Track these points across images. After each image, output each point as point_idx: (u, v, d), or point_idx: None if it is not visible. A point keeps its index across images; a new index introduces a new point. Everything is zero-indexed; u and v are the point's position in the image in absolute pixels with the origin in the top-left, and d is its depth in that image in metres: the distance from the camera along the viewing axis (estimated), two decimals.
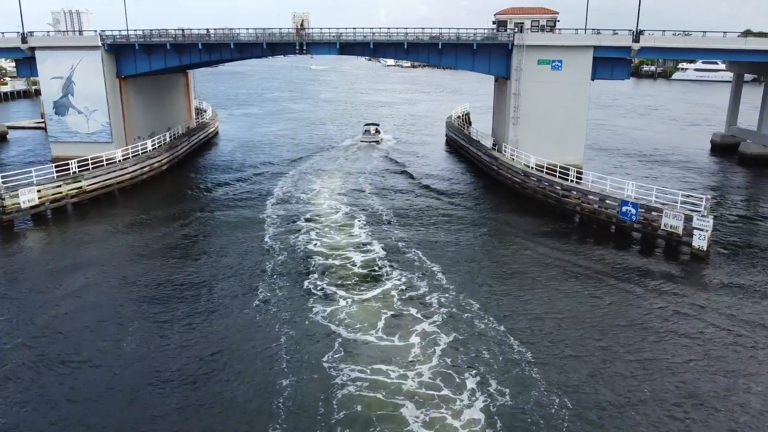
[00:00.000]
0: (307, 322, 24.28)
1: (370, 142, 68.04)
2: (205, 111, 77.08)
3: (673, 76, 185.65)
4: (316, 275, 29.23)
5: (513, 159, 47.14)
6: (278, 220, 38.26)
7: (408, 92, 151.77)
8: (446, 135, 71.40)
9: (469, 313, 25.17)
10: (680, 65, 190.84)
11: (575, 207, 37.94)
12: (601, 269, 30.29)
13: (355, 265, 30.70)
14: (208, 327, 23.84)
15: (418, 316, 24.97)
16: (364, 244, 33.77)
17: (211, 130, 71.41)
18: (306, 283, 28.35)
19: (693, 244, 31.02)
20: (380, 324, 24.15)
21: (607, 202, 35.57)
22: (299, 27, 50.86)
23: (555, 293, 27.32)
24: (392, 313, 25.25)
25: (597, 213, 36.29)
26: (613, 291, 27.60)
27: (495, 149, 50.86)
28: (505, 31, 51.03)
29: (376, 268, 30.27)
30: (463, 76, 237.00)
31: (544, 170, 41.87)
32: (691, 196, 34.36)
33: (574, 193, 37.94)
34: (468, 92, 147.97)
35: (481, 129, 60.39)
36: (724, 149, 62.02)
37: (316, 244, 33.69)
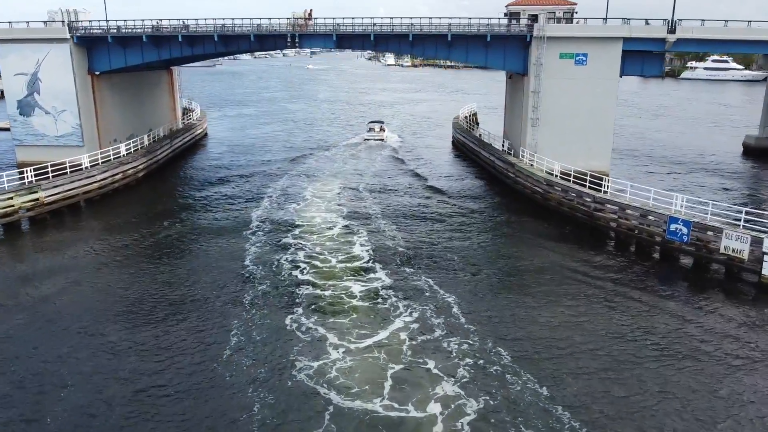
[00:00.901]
0: (289, 383, 18.85)
1: (375, 140, 65.20)
2: (193, 111, 71.70)
3: (682, 75, 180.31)
4: (303, 312, 23.81)
5: (531, 165, 41.79)
6: (263, 238, 32.88)
7: (409, 91, 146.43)
8: (453, 137, 66.03)
9: (498, 366, 19.80)
10: (689, 64, 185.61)
11: (609, 223, 32.57)
12: (653, 304, 24.90)
13: (353, 297, 25.31)
14: (162, 392, 18.42)
15: (437, 371, 19.57)
16: (365, 270, 28.37)
17: (199, 131, 66.02)
18: (290, 322, 22.94)
19: (763, 272, 25.61)
20: (386, 385, 18.76)
21: (650, 218, 30.16)
22: (307, 17, 45.31)
23: (598, 338, 21.95)
24: (401, 366, 19.86)
25: (637, 231, 30.91)
26: (674, 338, 22.19)
27: (510, 154, 45.43)
28: (518, 23, 45.59)
29: (380, 302, 24.88)
30: (465, 75, 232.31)
31: (571, 179, 36.51)
32: (754, 212, 29.07)
33: (609, 206, 32.53)
34: (471, 91, 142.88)
35: (491, 130, 55.01)
36: (758, 153, 56.64)
37: (305, 269, 28.27)
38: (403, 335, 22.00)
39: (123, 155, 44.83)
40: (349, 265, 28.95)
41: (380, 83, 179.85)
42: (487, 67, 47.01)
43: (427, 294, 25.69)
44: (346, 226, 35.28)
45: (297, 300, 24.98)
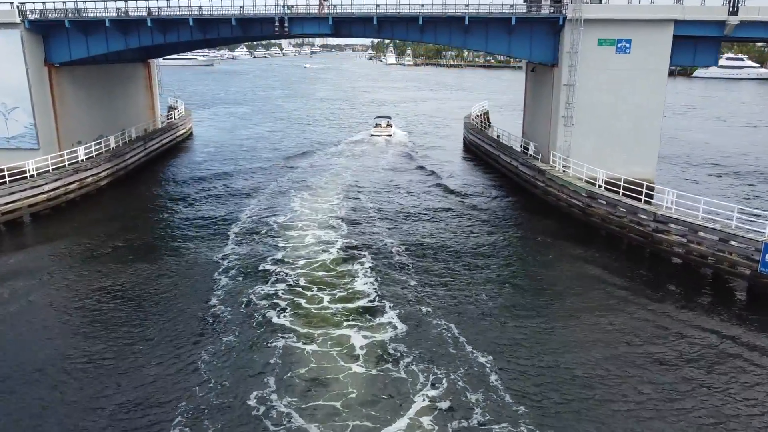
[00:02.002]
0: None
1: (382, 136, 62.48)
2: (176, 109, 64.98)
3: (695, 74, 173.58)
4: (276, 384, 17.13)
5: (564, 172, 35.16)
6: (239, 264, 26.20)
7: (412, 90, 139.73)
8: (464, 138, 59.34)
9: None
10: None
11: (674, 248, 25.88)
12: (750, 360, 18.25)
13: (352, 358, 18.65)
14: None
15: None
16: (367, 313, 21.70)
17: (181, 132, 59.32)
18: (256, 403, 16.26)
19: None
20: None
21: (734, 244, 23.45)
22: None
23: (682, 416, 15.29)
24: None
25: (715, 260, 24.21)
26: None
27: (537, 159, 38.66)
28: (539, 6, 38.69)
29: (390, 365, 18.21)
30: (468, 74, 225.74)
31: (620, 189, 29.81)
32: None
33: (676, 227, 25.81)
34: (475, 90, 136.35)
35: (504, 130, 48.30)
36: None
37: (285, 311, 21.60)
38: (430, 424, 15.33)
39: (81, 160, 38.12)
40: (346, 305, 22.26)
41: (381, 82, 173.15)
42: (510, 57, 40.31)
43: (452, 351, 19.06)
44: (344, 248, 28.63)
45: (271, 360, 18.31)
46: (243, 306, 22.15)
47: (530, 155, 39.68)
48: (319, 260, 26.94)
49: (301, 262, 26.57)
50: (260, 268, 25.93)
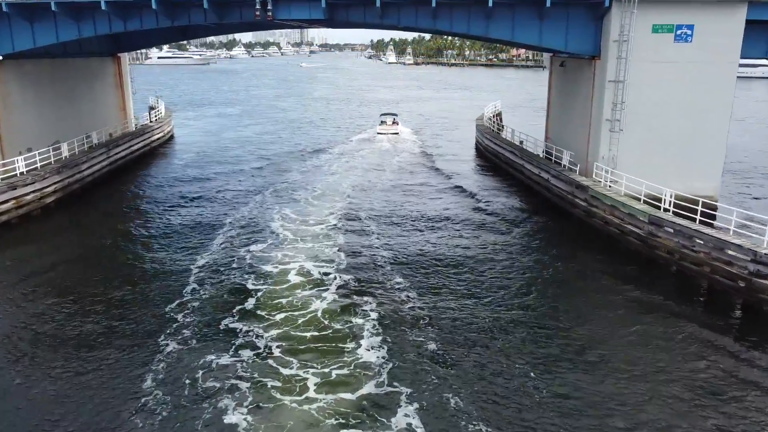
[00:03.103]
0: None
1: (388, 134, 59.45)
2: (154, 109, 58.31)
3: None
4: None
5: (609, 187, 28.53)
6: (194, 321, 19.50)
7: (413, 89, 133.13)
8: (477, 142, 52.74)
9: None
10: None
11: None
12: None
13: None
14: None
15: None
16: (375, 406, 15.04)
17: (158, 135, 52.60)
18: None
19: None
20: None
21: None
22: None
23: None
24: None
25: None
26: None
27: (575, 170, 31.90)
28: None
29: None
30: (471, 72, 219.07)
31: (697, 215, 23.14)
32: None
33: None
34: (479, 89, 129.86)
35: (526, 134, 41.59)
36: None
37: (245, 402, 14.93)
38: None
39: (21, 173, 31.40)
40: (341, 396, 15.58)
41: (382, 81, 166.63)
42: (541, 48, 33.75)
43: None
44: (341, 291, 22.01)
45: None
46: (185, 391, 15.51)
47: (564, 166, 32.98)
48: (304, 312, 20.29)
49: (279, 317, 19.91)
50: (222, 325, 19.28)
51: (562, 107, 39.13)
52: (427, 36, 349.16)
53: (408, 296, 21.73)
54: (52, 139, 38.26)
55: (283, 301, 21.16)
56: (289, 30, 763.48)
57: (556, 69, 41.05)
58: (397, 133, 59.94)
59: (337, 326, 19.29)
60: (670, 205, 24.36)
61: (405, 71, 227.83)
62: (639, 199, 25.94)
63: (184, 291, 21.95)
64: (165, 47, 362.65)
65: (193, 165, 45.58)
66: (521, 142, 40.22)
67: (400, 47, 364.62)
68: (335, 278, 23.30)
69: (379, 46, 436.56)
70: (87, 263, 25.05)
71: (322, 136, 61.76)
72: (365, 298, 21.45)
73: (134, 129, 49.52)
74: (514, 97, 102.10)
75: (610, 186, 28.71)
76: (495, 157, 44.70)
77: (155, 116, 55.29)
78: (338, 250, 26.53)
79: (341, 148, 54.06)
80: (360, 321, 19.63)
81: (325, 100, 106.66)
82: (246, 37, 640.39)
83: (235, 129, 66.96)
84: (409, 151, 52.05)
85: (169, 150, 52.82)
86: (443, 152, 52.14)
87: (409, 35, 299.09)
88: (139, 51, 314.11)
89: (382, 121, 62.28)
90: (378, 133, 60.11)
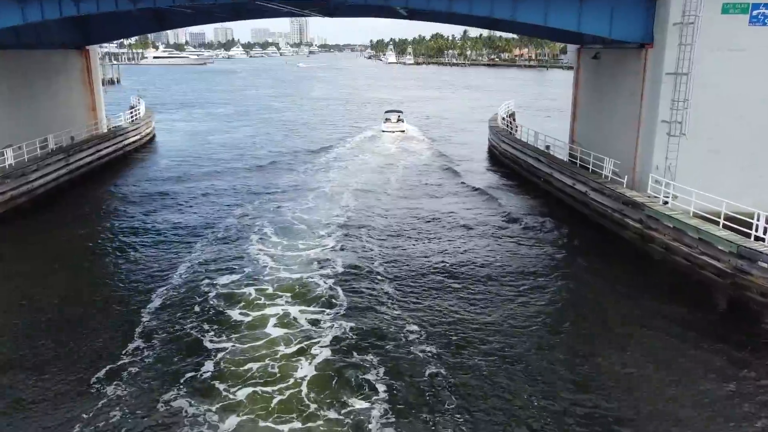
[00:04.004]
0: None
1: (393, 131, 56.99)
2: (134, 108, 52.77)
3: None
4: None
5: (667, 204, 22.96)
6: (127, 399, 13.96)
7: (415, 89, 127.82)
8: (490, 145, 47.22)
9: None
10: None
11: None
12: None
13: None
14: None
15: None
16: None
17: (133, 138, 46.99)
18: None
19: None
20: None
21: None
22: None
23: None
24: None
25: None
26: None
27: (621, 183, 26.16)
28: None
29: None
30: (472, 71, 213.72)
31: None
32: None
33: None
34: (483, 88, 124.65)
35: (552, 137, 36.02)
36: None
37: None
38: None
39: None
40: None
41: (382, 80, 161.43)
42: (580, 34, 28.20)
43: None
44: (336, 345, 16.48)
45: None
46: None
47: (605, 176, 27.36)
48: (281, 386, 14.72)
49: (244, 393, 14.33)
50: (161, 406, 13.72)
51: (595, 107, 33.61)
52: (428, 35, 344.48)
53: (427, 356, 16.16)
54: (4, 143, 32.74)
55: (254, 367, 15.57)
56: (289, 30, 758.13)
57: (585, 62, 35.57)
58: (403, 131, 57.32)
59: (331, 413, 13.70)
60: (765, 233, 18.73)
61: (405, 71, 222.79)
62: (716, 222, 20.32)
63: (124, 351, 16.36)
64: (161, 47, 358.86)
65: (170, 173, 39.99)
66: (547, 147, 34.61)
67: (400, 47, 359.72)
68: (329, 328, 17.74)
69: (379, 47, 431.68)
70: (9, 301, 19.46)
71: (318, 138, 56.20)
72: (370, 361, 15.89)
73: (105, 131, 43.91)
74: (521, 97, 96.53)
75: (667, 203, 23.13)
76: (513, 162, 39.11)
77: (132, 117, 49.66)
78: (334, 284, 20.99)
79: (339, 151, 48.58)
80: (363, 404, 14.05)
81: (323, 99, 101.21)
82: (244, 37, 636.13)
83: (225, 131, 61.40)
84: (415, 156, 46.47)
85: (147, 155, 47.22)
86: (451, 153, 46.59)
87: (410, 35, 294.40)
88: (135, 51, 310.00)
89: (386, 119, 59.35)
90: (383, 131, 57.41)
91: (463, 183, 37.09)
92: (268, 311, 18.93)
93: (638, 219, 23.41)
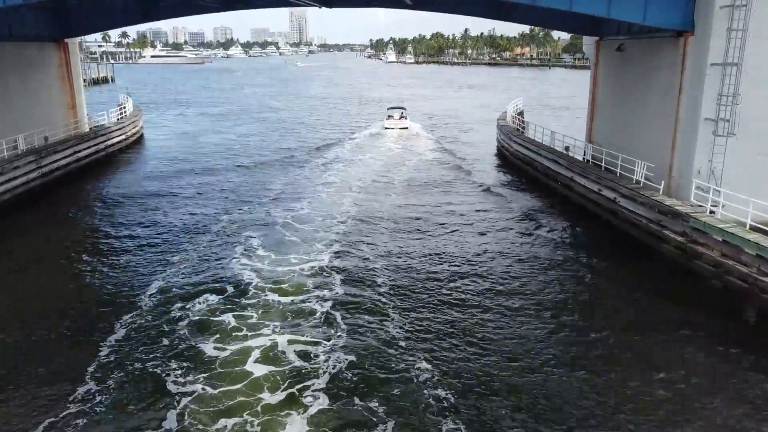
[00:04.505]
0: None
1: (397, 128, 55.71)
2: (122, 106, 49.73)
3: None
4: None
5: (711, 214, 19.89)
6: None
7: (417, 87, 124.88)
8: (499, 146, 44.20)
9: None
10: None
11: None
12: None
13: None
14: None
15: None
16: None
17: (118, 138, 43.92)
18: None
19: None
20: None
21: None
22: None
23: None
24: None
25: None
26: None
27: (658, 190, 23.09)
28: None
29: None
30: (473, 70, 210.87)
31: None
32: None
33: None
34: (486, 87, 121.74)
35: (571, 137, 32.98)
36: None
37: None
38: None
39: None
40: None
41: (382, 79, 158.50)
42: (601, 24, 25.25)
43: None
44: (332, 388, 13.47)
45: None
46: None
47: (636, 181, 24.30)
48: None
49: None
50: None
51: (618, 104, 30.57)
52: (428, 35, 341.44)
53: (442, 406, 13.12)
54: None
55: (227, 425, 12.51)
56: (288, 30, 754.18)
57: (606, 56, 32.52)
58: (406, 128, 56.14)
59: None
60: None
61: (406, 70, 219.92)
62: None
63: (72, 397, 13.32)
64: (159, 46, 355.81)
65: (154, 176, 36.95)
66: (567, 149, 31.54)
67: (400, 46, 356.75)
68: (325, 366, 14.72)
69: (379, 46, 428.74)
70: None
71: (315, 139, 53.17)
72: (374, 410, 12.87)
73: (87, 131, 40.84)
74: (526, 96, 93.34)
75: (713, 212, 20.08)
76: (526, 164, 36.05)
77: (118, 115, 46.59)
78: (331, 308, 17.97)
79: (338, 152, 45.53)
80: None
81: (322, 98, 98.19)
82: (244, 37, 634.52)
83: (217, 131, 58.34)
84: (420, 157, 43.42)
85: (132, 156, 44.15)
86: (457, 153, 43.56)
87: (410, 34, 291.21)
88: (132, 50, 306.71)
89: (389, 116, 58.08)
90: (386, 128, 56.28)
91: (472, 187, 34.06)
92: (250, 343, 15.91)
93: (680, 231, 20.34)
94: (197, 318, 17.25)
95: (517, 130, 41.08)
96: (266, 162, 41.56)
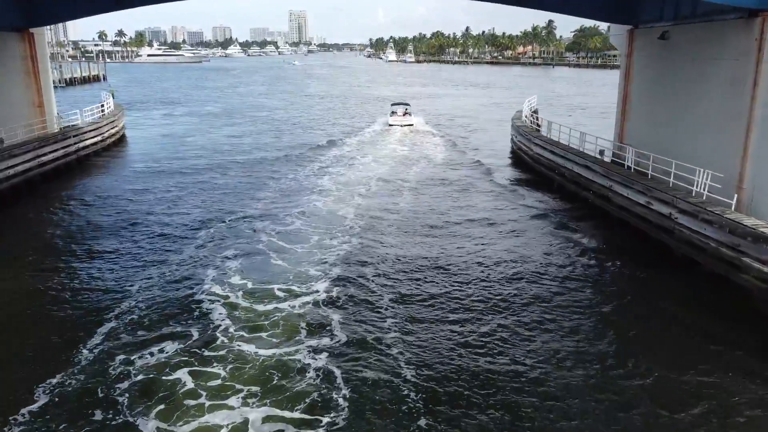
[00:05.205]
0: None
1: (401, 125, 53.68)
2: (102, 105, 45.52)
3: None
4: None
5: None
6: None
7: (418, 86, 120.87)
8: (516, 147, 39.98)
9: None
10: None
11: None
12: None
13: None
14: None
15: None
16: None
17: (92, 140, 39.61)
18: None
19: None
20: None
21: None
22: None
23: None
24: None
25: None
26: None
27: (730, 206, 18.82)
28: None
29: None
30: (474, 69, 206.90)
31: None
32: None
33: None
34: (490, 86, 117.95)
35: (601, 138, 28.80)
36: None
37: None
38: None
39: None
40: None
41: (383, 77, 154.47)
42: (635, 9, 20.92)
43: None
44: None
45: None
46: None
47: (696, 193, 20.03)
48: None
49: None
50: None
51: (660, 100, 26.37)
52: (428, 33, 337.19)
53: None
54: None
55: None
56: (287, 29, 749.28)
57: (643, 46, 28.34)
58: (411, 125, 54.24)
59: None
60: None
61: (406, 69, 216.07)
62: None
63: None
64: (155, 44, 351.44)
65: (129, 183, 32.66)
66: (601, 153, 27.28)
67: (400, 45, 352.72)
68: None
69: (378, 45, 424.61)
70: None
71: (312, 140, 48.94)
72: None
73: (56, 131, 36.59)
74: (534, 95, 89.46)
75: None
76: (549, 169, 31.80)
77: (89, 118, 42.26)
78: (328, 363, 13.76)
79: (337, 155, 41.31)
80: None
81: (320, 97, 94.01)
82: (243, 36, 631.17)
83: (206, 131, 54.13)
84: (428, 160, 39.20)
85: (108, 159, 39.87)
86: (465, 158, 39.33)
87: (410, 33, 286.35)
88: (129, 49, 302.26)
89: (392, 112, 56.26)
90: (390, 125, 54.28)
91: (491, 199, 29.85)
92: (208, 419, 11.68)
93: (766, 260, 16.08)
94: (144, 378, 13.01)
95: (537, 130, 36.84)
96: (256, 166, 37.33)
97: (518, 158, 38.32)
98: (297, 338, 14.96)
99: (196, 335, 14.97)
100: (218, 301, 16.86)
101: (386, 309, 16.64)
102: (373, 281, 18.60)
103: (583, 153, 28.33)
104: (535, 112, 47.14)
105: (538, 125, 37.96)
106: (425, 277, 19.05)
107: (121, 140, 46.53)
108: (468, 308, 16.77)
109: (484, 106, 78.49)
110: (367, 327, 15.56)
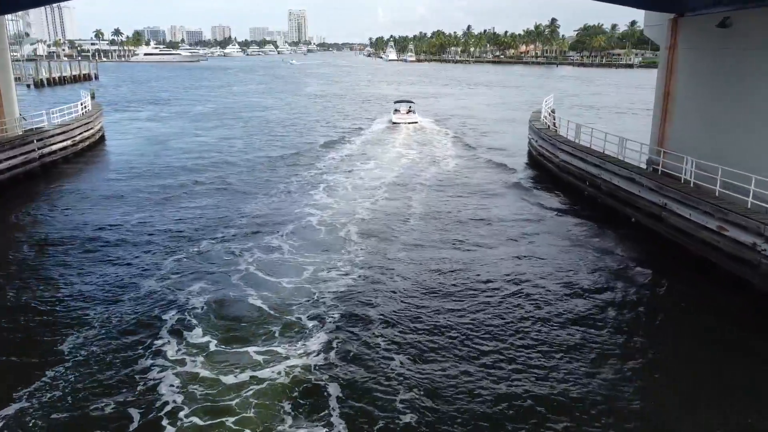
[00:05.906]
0: None
1: (406, 123, 52.15)
2: (82, 104, 41.35)
3: None
4: None
5: None
6: None
7: (420, 84, 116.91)
8: (536, 153, 35.70)
9: None
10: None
11: None
12: None
13: None
14: None
15: None
16: None
17: (61, 144, 35.39)
18: None
19: None
20: None
21: None
22: None
23: None
24: None
25: None
26: None
27: None
28: None
29: None
30: (475, 68, 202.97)
31: None
32: None
33: None
34: (495, 84, 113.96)
35: (642, 146, 24.60)
36: None
37: None
38: None
39: None
40: None
41: (384, 76, 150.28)
42: None
43: None
44: None
45: None
46: None
47: None
48: None
49: None
50: None
51: (714, 100, 22.17)
52: (429, 32, 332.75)
53: None
54: None
55: None
56: (287, 29, 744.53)
57: (690, 36, 24.16)
58: (416, 122, 52.66)
59: None
60: None
61: (407, 68, 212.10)
62: None
63: None
64: (152, 43, 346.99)
65: (95, 197, 28.35)
66: (650, 162, 23.00)
67: (400, 44, 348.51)
68: None
69: (379, 44, 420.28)
70: None
71: (308, 143, 44.74)
72: None
73: (18, 134, 32.38)
74: (541, 95, 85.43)
75: None
76: (580, 180, 27.54)
77: (60, 119, 38.02)
78: (327, 415, 9.51)
79: (335, 160, 37.10)
80: None
81: (319, 96, 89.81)
82: (242, 35, 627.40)
83: (194, 133, 49.90)
84: (438, 166, 34.98)
85: (79, 166, 35.63)
86: (475, 164, 35.10)
87: (410, 33, 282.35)
88: (126, 48, 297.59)
89: (396, 110, 55.26)
90: (393, 122, 52.62)
91: (517, 219, 25.62)
92: None
93: None
94: None
95: (551, 134, 32.63)
96: (243, 173, 33.14)
97: (538, 165, 34.04)
98: (279, 429, 10.74)
99: (134, 423, 10.73)
100: (170, 367, 12.62)
101: (400, 381, 12.39)
102: (382, 335, 14.34)
103: (625, 162, 24.07)
104: (553, 111, 42.94)
105: (560, 127, 33.69)
106: (440, 322, 14.81)
107: (98, 144, 42.35)
108: (490, 345, 12.54)
109: (493, 106, 74.40)
110: (374, 411, 11.31)
